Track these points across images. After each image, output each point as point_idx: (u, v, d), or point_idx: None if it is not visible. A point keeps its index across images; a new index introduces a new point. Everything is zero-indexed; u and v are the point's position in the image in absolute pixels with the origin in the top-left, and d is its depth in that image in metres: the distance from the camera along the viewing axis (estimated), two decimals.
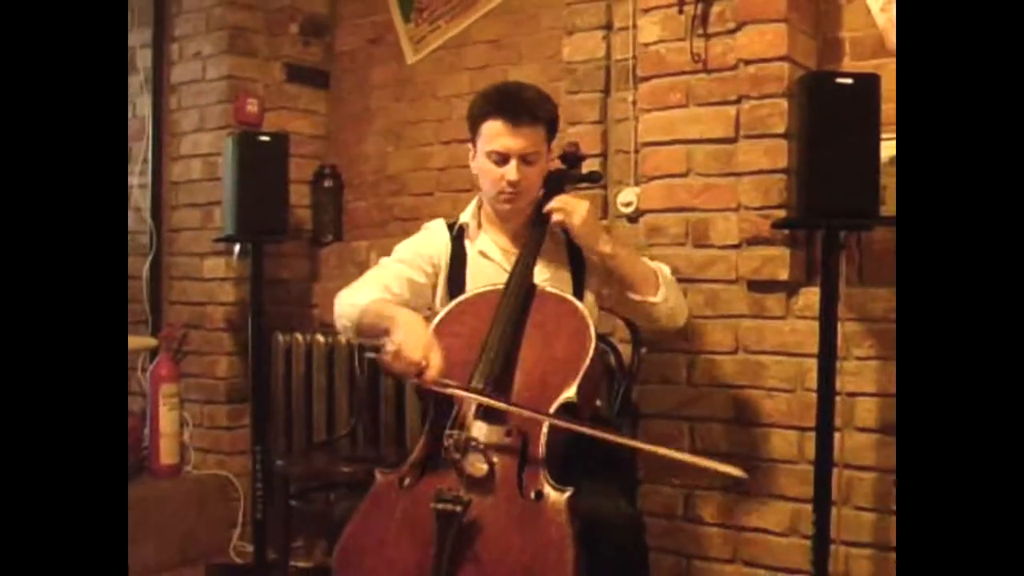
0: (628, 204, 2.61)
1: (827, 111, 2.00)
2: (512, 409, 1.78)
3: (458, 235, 2.13)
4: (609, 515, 1.80)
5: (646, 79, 2.45)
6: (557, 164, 2.16)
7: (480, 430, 1.77)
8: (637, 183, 2.57)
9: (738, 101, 2.30)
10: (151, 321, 3.41)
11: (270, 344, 3.14)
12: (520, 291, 1.92)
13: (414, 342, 1.78)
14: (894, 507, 2.15)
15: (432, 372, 1.77)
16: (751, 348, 2.31)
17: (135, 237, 3.44)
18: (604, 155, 2.69)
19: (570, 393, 1.79)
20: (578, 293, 2.04)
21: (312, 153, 3.46)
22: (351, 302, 2.01)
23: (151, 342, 3.32)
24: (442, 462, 1.77)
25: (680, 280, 2.25)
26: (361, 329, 2.00)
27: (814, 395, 2.08)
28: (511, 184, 1.98)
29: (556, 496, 1.70)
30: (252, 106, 3.31)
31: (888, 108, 2.02)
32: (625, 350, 2.35)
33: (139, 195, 3.44)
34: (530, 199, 2.05)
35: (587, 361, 1.82)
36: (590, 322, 1.88)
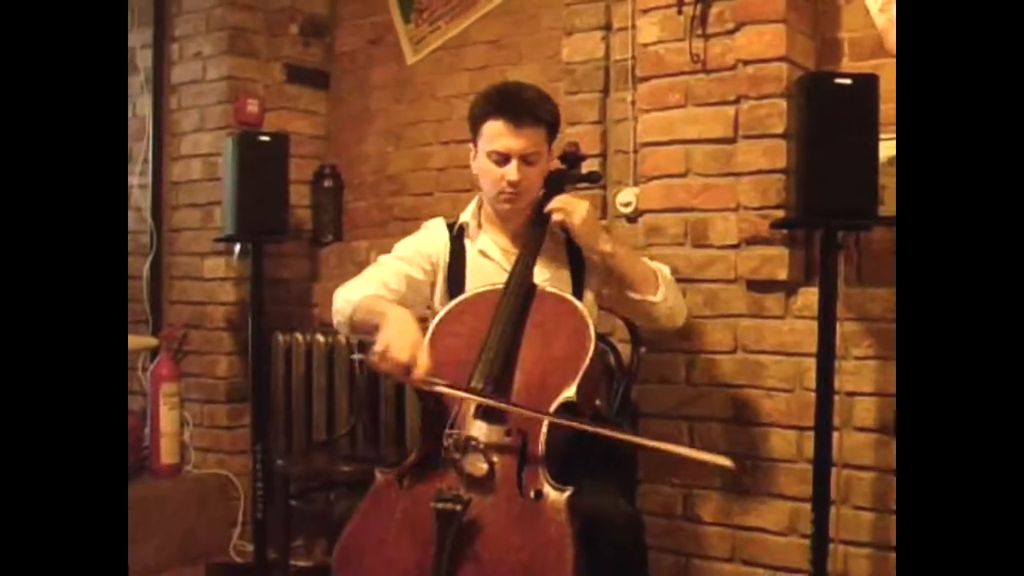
0: (627, 204, 2.61)
1: (826, 111, 2.00)
2: (508, 408, 1.78)
3: (458, 234, 2.14)
4: (609, 514, 1.81)
5: (645, 79, 2.45)
6: (557, 164, 2.16)
7: (480, 430, 1.78)
8: (636, 183, 2.58)
9: (737, 101, 2.30)
10: (151, 321, 3.41)
11: (270, 344, 3.14)
12: (520, 291, 1.92)
13: (402, 341, 1.77)
14: (893, 506, 2.15)
15: (419, 372, 1.76)
16: (750, 348, 2.32)
17: (136, 237, 3.45)
18: (603, 155, 2.70)
19: (570, 393, 1.79)
20: (577, 293, 2.05)
21: (312, 153, 3.47)
22: (346, 298, 2.02)
23: (151, 342, 3.33)
24: (442, 461, 1.77)
25: (679, 280, 2.25)
26: (354, 325, 2.00)
27: (813, 394, 2.08)
28: (511, 184, 1.98)
29: (556, 495, 1.70)
30: (252, 106, 3.31)
31: (887, 108, 2.02)
32: (624, 350, 2.36)
33: (139, 195, 3.45)
34: (530, 199, 2.06)
35: (587, 361, 1.83)
36: (589, 322, 1.88)
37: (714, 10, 2.34)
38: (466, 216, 2.15)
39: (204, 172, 3.34)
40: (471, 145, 2.07)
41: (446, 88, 3.22)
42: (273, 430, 3.12)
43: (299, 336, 3.17)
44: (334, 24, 3.50)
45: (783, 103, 2.23)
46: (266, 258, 2.93)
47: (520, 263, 1.99)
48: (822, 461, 2.06)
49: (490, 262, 2.09)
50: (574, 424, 1.78)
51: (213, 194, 3.22)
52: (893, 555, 2.15)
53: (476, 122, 2.02)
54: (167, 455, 3.24)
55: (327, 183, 3.44)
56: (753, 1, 2.26)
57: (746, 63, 2.28)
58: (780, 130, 2.24)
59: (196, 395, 3.35)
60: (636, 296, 2.04)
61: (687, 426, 2.39)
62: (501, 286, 1.95)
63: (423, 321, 1.99)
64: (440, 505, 1.67)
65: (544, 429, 1.77)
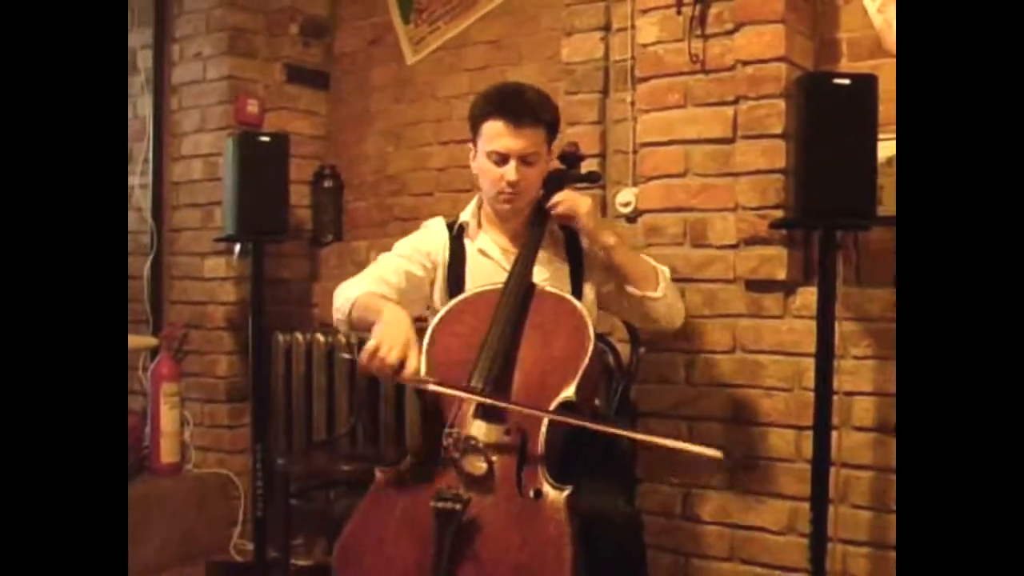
0: (626, 204, 2.62)
1: (824, 112, 2.01)
2: (504, 405, 1.78)
3: (458, 234, 2.14)
4: (608, 513, 1.81)
5: (644, 80, 2.46)
6: (556, 164, 2.17)
7: (479, 429, 1.78)
8: (635, 183, 2.58)
9: (736, 102, 2.31)
10: (152, 320, 3.42)
11: (270, 343, 3.15)
12: (519, 290, 1.93)
13: (392, 340, 1.77)
14: (891, 505, 2.16)
15: (408, 371, 1.77)
16: (749, 347, 2.32)
17: (136, 237, 3.45)
18: (603, 155, 2.71)
19: (569, 392, 1.80)
20: (577, 293, 2.06)
21: (312, 153, 3.47)
22: (345, 296, 2.03)
23: (152, 341, 3.33)
24: (441, 461, 1.77)
25: (678, 280, 2.26)
26: (352, 322, 2.01)
27: (811, 394, 2.09)
28: (510, 184, 1.99)
29: (555, 494, 1.71)
30: (252, 107, 3.32)
31: (885, 108, 2.03)
32: (624, 350, 2.36)
33: (140, 195, 3.45)
34: (529, 199, 2.06)
35: (586, 360, 1.83)
36: (589, 321, 1.89)
37: (713, 10, 2.34)
38: (466, 215, 2.16)
39: (204, 172, 3.35)
40: (471, 145, 2.08)
41: (446, 88, 3.23)
42: (273, 429, 3.13)
43: (299, 336, 3.18)
44: (334, 25, 3.50)
45: (782, 103, 2.24)
46: (266, 258, 2.93)
47: (519, 263, 1.99)
48: (821, 460, 2.06)
49: (490, 261, 2.10)
50: (570, 420, 1.78)
51: (213, 194, 3.23)
52: (892, 554, 2.16)
53: (476, 122, 2.03)
54: (167, 454, 3.25)
55: (327, 183, 3.45)
56: (752, 2, 2.27)
57: (745, 63, 2.28)
58: (779, 130, 2.24)
59: (196, 394, 3.35)
60: (636, 292, 2.05)
61: (686, 426, 2.39)
62: (500, 285, 1.95)
63: (423, 320, 2.00)
64: (439, 504, 1.68)
65: (543, 428, 1.77)
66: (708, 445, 1.78)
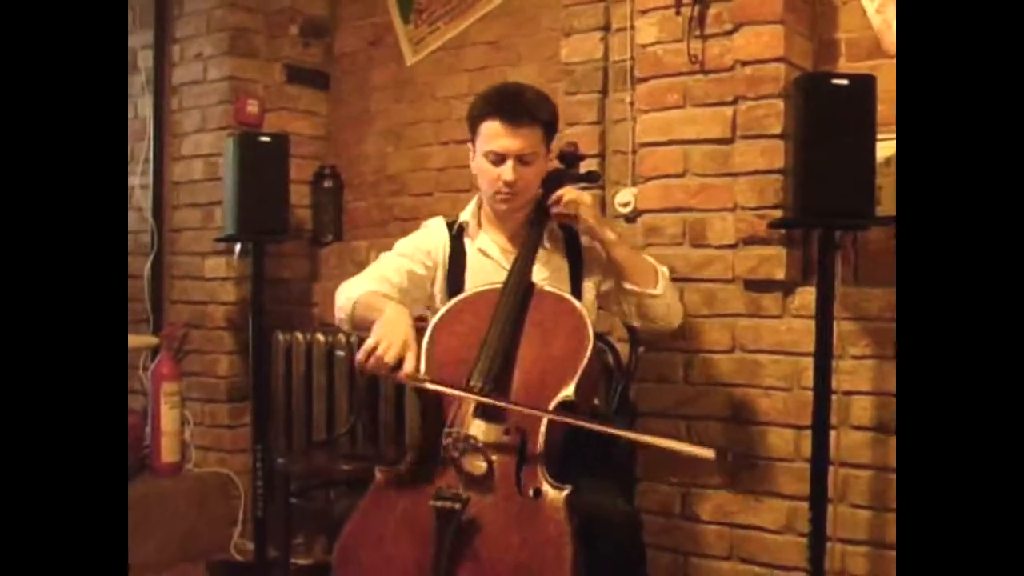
0: (626, 204, 2.62)
1: (823, 112, 2.01)
2: (503, 405, 1.79)
3: (458, 233, 2.15)
4: (607, 513, 1.82)
5: (644, 80, 2.46)
6: (556, 164, 2.18)
7: (478, 428, 1.79)
8: (634, 183, 2.59)
9: (735, 102, 2.31)
10: (152, 320, 3.42)
11: (270, 343, 3.15)
12: (518, 290, 1.93)
13: (390, 339, 1.78)
14: (890, 504, 2.16)
15: (406, 370, 1.77)
16: (748, 347, 2.33)
17: (137, 237, 3.46)
18: (602, 155, 2.71)
19: (568, 391, 1.80)
20: (576, 292, 2.06)
21: (312, 154, 3.48)
22: (347, 295, 2.03)
23: (152, 341, 3.34)
24: (441, 460, 1.78)
25: (677, 279, 2.26)
26: (355, 321, 2.01)
27: (810, 393, 2.09)
28: (507, 184, 2.00)
29: (554, 494, 1.71)
30: (253, 107, 3.32)
31: (883, 109, 2.03)
32: (623, 349, 2.37)
33: (141, 195, 3.46)
34: (527, 199, 2.07)
35: (585, 360, 1.83)
36: (588, 321, 1.89)
37: (712, 11, 2.35)
38: (466, 215, 2.16)
39: (205, 172, 3.35)
40: (470, 145, 2.09)
41: (445, 89, 3.23)
42: (273, 429, 3.13)
43: (299, 335, 3.18)
44: (334, 25, 3.51)
45: (781, 104, 2.24)
46: (266, 258, 2.93)
47: (519, 262, 2.00)
48: (819, 460, 2.07)
49: (490, 261, 2.10)
50: (569, 419, 1.79)
51: (214, 194, 3.23)
52: (890, 553, 2.16)
53: (474, 122, 2.04)
54: (168, 454, 3.25)
55: (327, 183, 3.45)
56: (751, 2, 2.27)
57: (744, 64, 2.29)
58: (778, 130, 2.25)
59: (197, 394, 3.36)
60: (635, 289, 2.05)
61: (685, 425, 2.40)
62: (500, 285, 1.96)
63: (423, 320, 2.00)
64: (439, 503, 1.68)
65: (543, 428, 1.78)
66: (705, 445, 1.78)
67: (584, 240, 2.11)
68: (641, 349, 2.35)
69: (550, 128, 2.05)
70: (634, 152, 2.59)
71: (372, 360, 1.77)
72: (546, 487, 1.73)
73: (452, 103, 3.18)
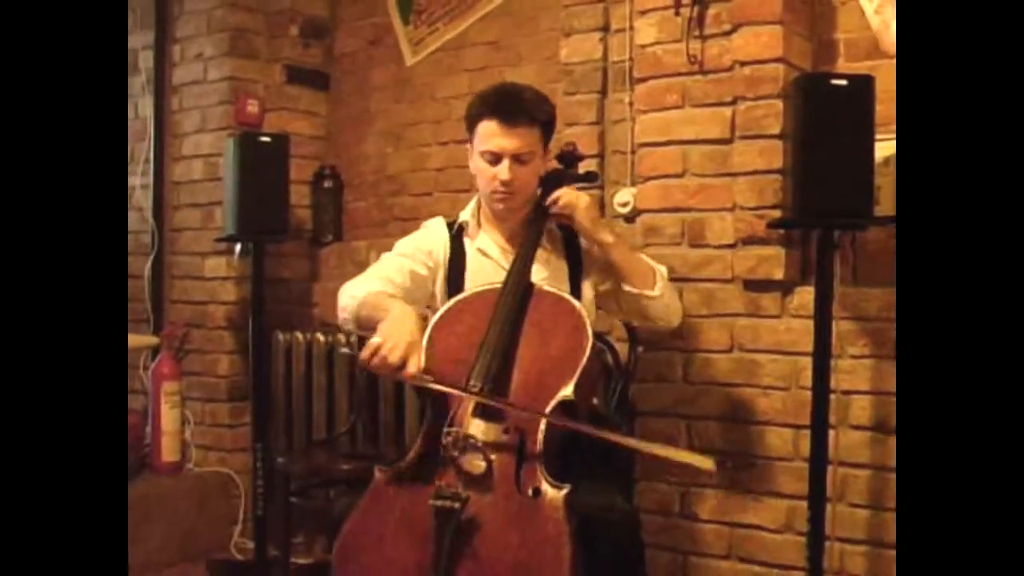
0: (625, 204, 2.63)
1: (822, 112, 2.02)
2: (503, 405, 1.79)
3: (457, 233, 2.15)
4: (606, 512, 1.82)
5: (643, 80, 2.47)
6: (555, 164, 2.18)
7: (478, 428, 1.79)
8: (634, 183, 2.59)
9: (734, 102, 2.32)
10: (153, 320, 3.43)
11: (271, 343, 3.16)
12: (517, 290, 1.94)
13: (396, 339, 1.78)
14: (888, 504, 2.17)
15: (411, 369, 1.77)
16: (747, 347, 2.33)
17: (137, 237, 3.46)
18: (601, 156, 2.71)
19: (567, 391, 1.81)
20: (575, 292, 2.06)
21: (312, 154, 3.48)
22: (351, 294, 2.03)
23: (153, 340, 3.34)
24: (440, 460, 1.78)
25: (676, 279, 2.27)
26: (360, 321, 2.01)
27: (809, 393, 2.10)
28: (504, 184, 2.00)
29: (553, 493, 1.72)
30: (253, 107, 3.33)
31: (882, 109, 2.04)
32: (622, 349, 2.37)
33: (141, 195, 3.46)
34: (524, 199, 2.07)
35: (584, 359, 1.84)
36: (587, 321, 1.89)
37: (711, 11, 2.35)
38: (465, 215, 2.17)
39: (205, 172, 3.35)
40: (468, 145, 2.09)
41: (445, 89, 3.24)
42: (273, 428, 3.14)
43: (299, 335, 3.19)
44: (334, 26, 3.51)
45: (779, 104, 2.25)
46: (267, 258, 2.94)
47: (518, 262, 2.00)
48: (818, 459, 2.07)
49: (489, 261, 2.11)
50: (567, 424, 1.79)
51: (214, 194, 3.24)
52: (889, 552, 2.17)
53: (471, 122, 2.04)
54: (168, 453, 3.26)
55: (327, 183, 3.46)
56: (750, 3, 2.28)
57: (743, 64, 2.29)
58: (776, 131, 2.25)
59: (197, 393, 3.37)
60: (634, 290, 2.05)
61: (684, 424, 2.40)
62: (499, 285, 1.96)
63: (423, 320, 2.00)
64: (439, 503, 1.68)
65: (542, 427, 1.78)
66: (704, 449, 1.78)
67: (583, 240, 2.12)
68: (640, 349, 2.35)
69: (547, 128, 2.05)
70: (633, 152, 2.59)
71: (376, 359, 1.77)
72: (545, 486, 1.73)
73: (452, 103, 3.19)
